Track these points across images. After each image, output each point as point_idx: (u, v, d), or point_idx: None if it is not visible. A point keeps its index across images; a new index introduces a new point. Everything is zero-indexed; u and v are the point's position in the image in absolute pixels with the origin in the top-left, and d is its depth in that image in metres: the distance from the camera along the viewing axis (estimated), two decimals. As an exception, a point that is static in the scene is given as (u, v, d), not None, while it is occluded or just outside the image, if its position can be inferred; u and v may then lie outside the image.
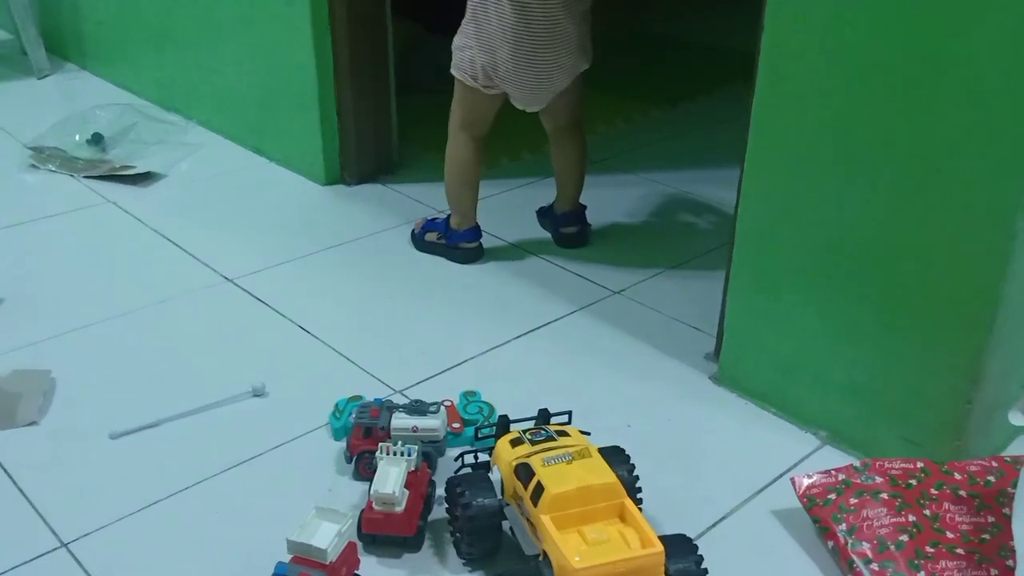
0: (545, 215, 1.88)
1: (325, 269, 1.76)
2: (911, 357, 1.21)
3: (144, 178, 2.08)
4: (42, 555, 1.12)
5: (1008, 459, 1.19)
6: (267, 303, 1.63)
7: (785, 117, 1.24)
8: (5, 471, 1.25)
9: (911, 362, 1.21)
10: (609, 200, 2.00)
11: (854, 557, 1.10)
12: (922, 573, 1.06)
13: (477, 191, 1.78)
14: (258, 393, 1.40)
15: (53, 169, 2.12)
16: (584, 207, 1.84)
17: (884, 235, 1.19)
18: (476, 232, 1.78)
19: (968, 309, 1.14)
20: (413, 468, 1.15)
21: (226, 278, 1.71)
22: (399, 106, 2.11)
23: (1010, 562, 1.07)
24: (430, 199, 2.00)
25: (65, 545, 1.13)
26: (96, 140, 2.21)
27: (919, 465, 1.18)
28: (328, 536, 1.02)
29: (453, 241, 1.77)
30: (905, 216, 1.16)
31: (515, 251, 1.82)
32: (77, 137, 2.21)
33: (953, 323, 1.16)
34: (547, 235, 1.86)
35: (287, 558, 1.02)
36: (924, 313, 1.18)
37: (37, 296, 1.65)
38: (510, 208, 1.98)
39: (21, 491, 1.21)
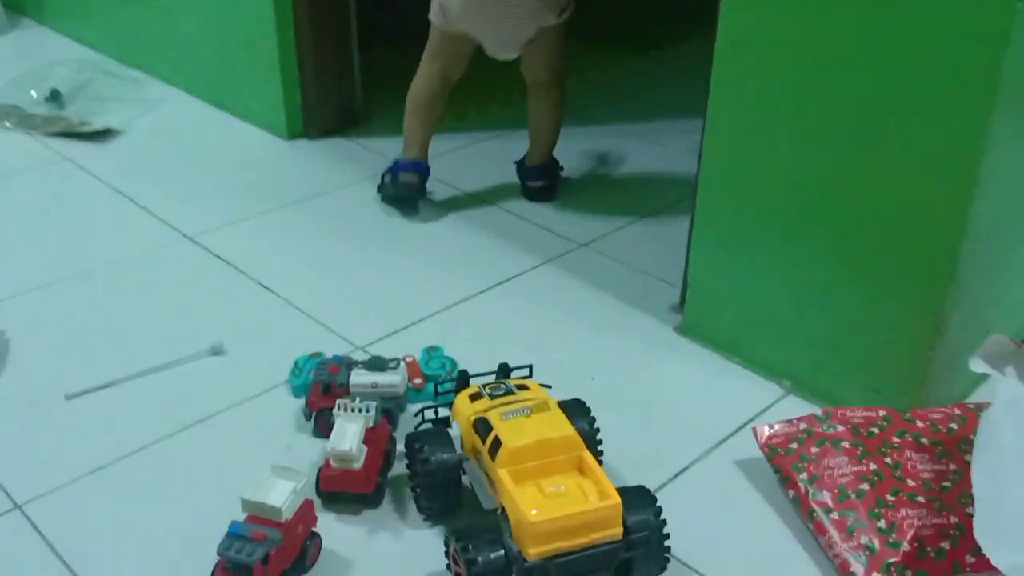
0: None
1: (287, 225, 1.73)
2: (873, 306, 1.20)
3: (102, 135, 2.04)
4: (-6, 518, 1.11)
5: (971, 406, 1.19)
6: (227, 260, 1.60)
7: (745, 67, 1.21)
8: (-43, 434, 1.23)
9: (874, 311, 1.20)
10: (577, 151, 1.97)
11: (815, 506, 1.09)
12: (882, 521, 1.06)
13: (429, 128, 1.74)
14: (216, 352, 1.37)
15: (9, 126, 2.06)
16: (555, 162, 1.82)
17: (845, 185, 1.17)
18: (418, 165, 1.71)
19: (930, 257, 1.13)
20: (371, 424, 1.13)
21: (185, 236, 1.68)
22: (364, 59, 2.06)
23: (970, 509, 1.07)
24: (395, 152, 1.96)
25: (19, 507, 1.12)
26: (54, 97, 2.15)
27: (881, 414, 1.17)
28: (283, 494, 1.00)
29: (394, 171, 1.72)
30: (866, 165, 1.14)
31: (480, 204, 1.79)
32: (34, 94, 2.16)
33: (915, 272, 1.15)
34: (513, 188, 1.84)
35: (242, 517, 1.01)
36: (886, 262, 1.17)
37: (-9, 256, 1.62)
38: (476, 161, 1.95)
39: (-27, 454, 1.19)
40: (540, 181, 1.81)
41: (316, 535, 1.05)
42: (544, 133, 1.78)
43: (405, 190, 1.71)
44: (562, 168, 1.84)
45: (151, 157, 1.97)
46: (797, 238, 1.24)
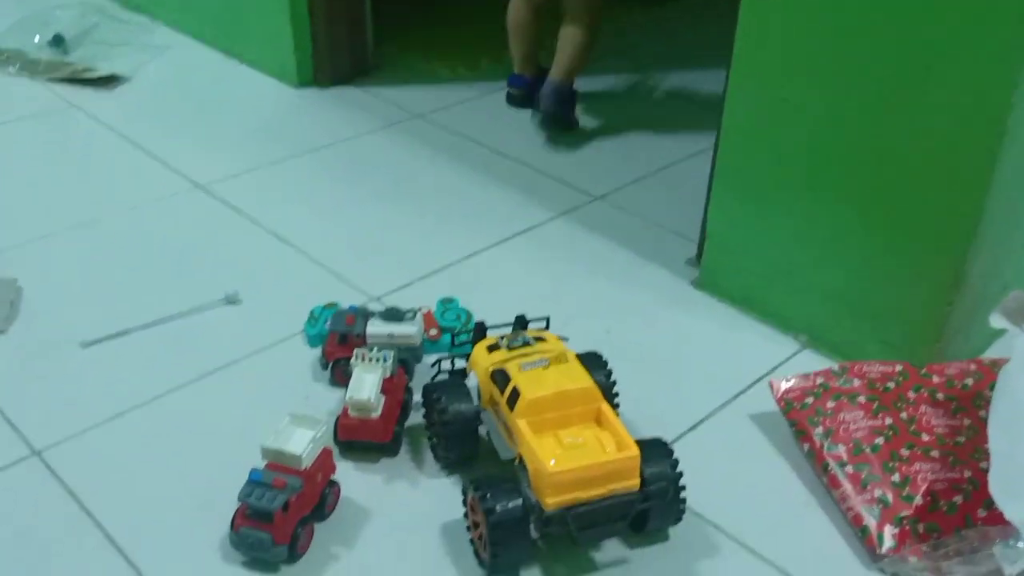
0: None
1: (299, 175, 1.71)
2: (893, 261, 1.20)
3: (109, 81, 2.01)
4: (14, 463, 1.11)
5: (987, 362, 1.19)
6: (239, 210, 1.59)
7: (772, 16, 1.19)
8: (-26, 380, 1.23)
9: (893, 266, 1.20)
10: (594, 103, 1.95)
11: (829, 460, 1.10)
12: (896, 475, 1.06)
13: (528, 47, 1.91)
14: (231, 301, 1.37)
15: (12, 72, 2.04)
16: (572, 92, 1.83)
17: (870, 138, 1.16)
18: (520, 80, 1.92)
19: (953, 212, 1.12)
20: (389, 375, 1.13)
21: (197, 184, 1.66)
22: (376, 7, 2.03)
23: (984, 464, 1.07)
24: (408, 102, 1.95)
25: (37, 453, 1.12)
26: (57, 42, 2.12)
27: (897, 368, 1.17)
28: (302, 442, 1.01)
29: (508, 83, 1.94)
30: (892, 118, 1.13)
31: (495, 156, 1.78)
32: (37, 38, 2.13)
33: (937, 226, 1.14)
34: (529, 140, 1.81)
35: (262, 465, 1.01)
36: (908, 217, 1.16)
37: (2, 203, 1.60)
38: (490, 112, 1.93)
39: (-9, 400, 1.20)
40: (551, 100, 1.80)
41: (335, 483, 1.06)
42: (565, 54, 1.81)
43: (510, 100, 1.95)
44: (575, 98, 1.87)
45: (159, 104, 1.95)
46: (818, 191, 1.23)
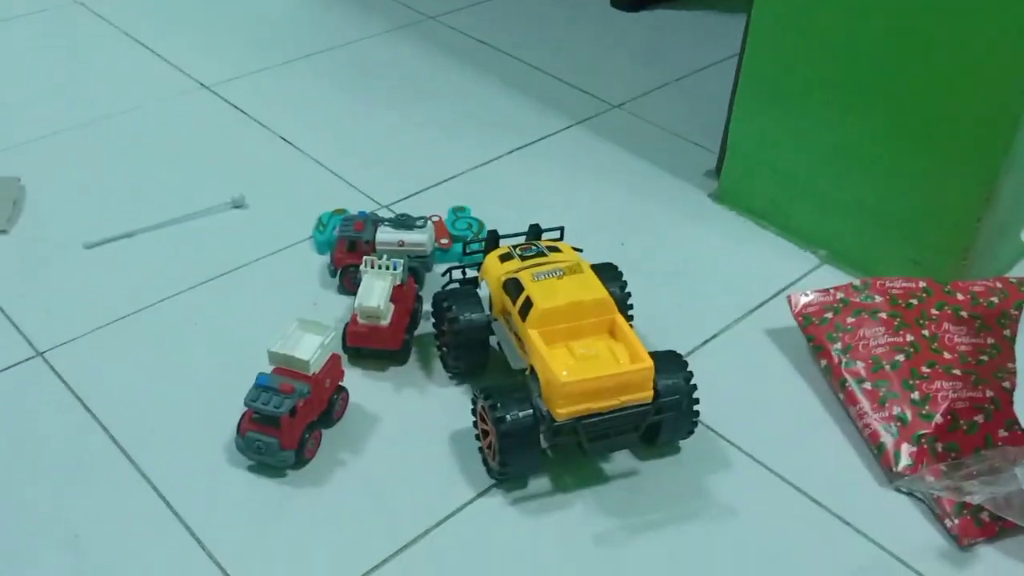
0: None
1: (308, 77, 1.66)
2: (922, 174, 1.15)
3: (113, -23, 1.95)
4: (17, 364, 1.10)
5: (1013, 280, 1.16)
6: (246, 112, 1.55)
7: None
8: (-24, 280, 1.21)
9: (921, 179, 1.16)
10: (612, 9, 1.88)
11: (847, 376, 1.08)
12: (916, 393, 1.04)
13: None
14: (238, 204, 1.34)
15: (15, -33, 1.97)
16: None
17: (904, 44, 1.10)
18: None
19: (987, 123, 1.07)
20: (399, 282, 1.11)
21: (202, 84, 1.62)
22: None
23: (1006, 384, 1.05)
24: (419, 2, 1.88)
25: (40, 354, 1.11)
26: (59, -64, 2.05)
27: (921, 285, 1.14)
28: (311, 348, 0.99)
29: None
30: (928, 23, 1.07)
31: (510, 61, 1.72)
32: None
33: (970, 139, 1.09)
34: (546, 45, 1.75)
35: (269, 370, 0.99)
36: (940, 129, 1.11)
37: (3, 101, 1.56)
38: (506, 15, 1.86)
39: (-7, 300, 1.18)
40: None
41: (343, 389, 1.04)
42: None
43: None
44: None
45: (164, 2, 1.89)
46: (847, 98, 1.18)
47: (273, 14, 1.87)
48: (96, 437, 1.01)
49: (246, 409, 0.97)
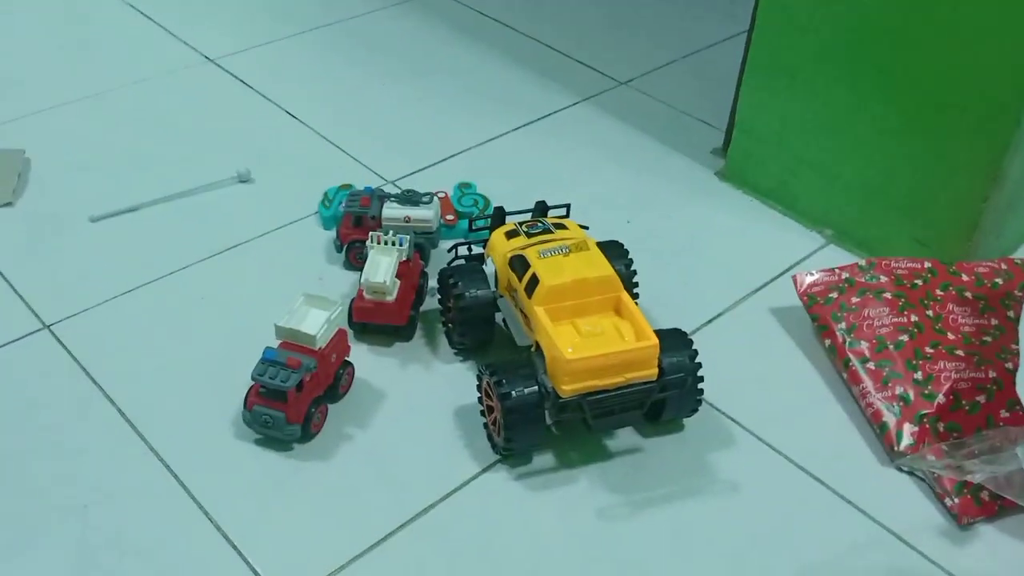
0: None
1: (313, 51, 1.65)
2: (930, 154, 1.15)
3: (117, -51, 1.93)
4: (24, 336, 1.10)
5: (1018, 261, 1.16)
6: (251, 85, 1.55)
7: None
8: (-17, 252, 1.21)
9: (929, 159, 1.15)
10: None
11: (851, 356, 1.08)
12: (919, 373, 1.04)
13: None
14: (243, 179, 1.34)
15: (18, -63, 1.96)
16: None
17: (913, 22, 1.10)
18: None
19: (996, 101, 1.07)
20: (404, 258, 1.11)
21: (207, 58, 1.61)
22: None
23: (1009, 364, 1.06)
24: (425, -22, 1.87)
25: (48, 327, 1.11)
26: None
27: (926, 265, 1.14)
28: (317, 322, 0.99)
29: None
30: (940, 3, 1.06)
31: (517, 36, 1.71)
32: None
33: (979, 118, 1.09)
34: (554, 20, 1.74)
35: (276, 344, 1.00)
36: (949, 107, 1.11)
37: (7, 73, 1.56)
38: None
39: (0, 273, 1.18)
40: None
41: (349, 364, 1.05)
42: None
43: None
44: None
45: (169, -26, 1.88)
46: (853, 80, 1.18)
47: (278, -13, 1.86)
48: (103, 409, 1.02)
49: (253, 383, 0.97)
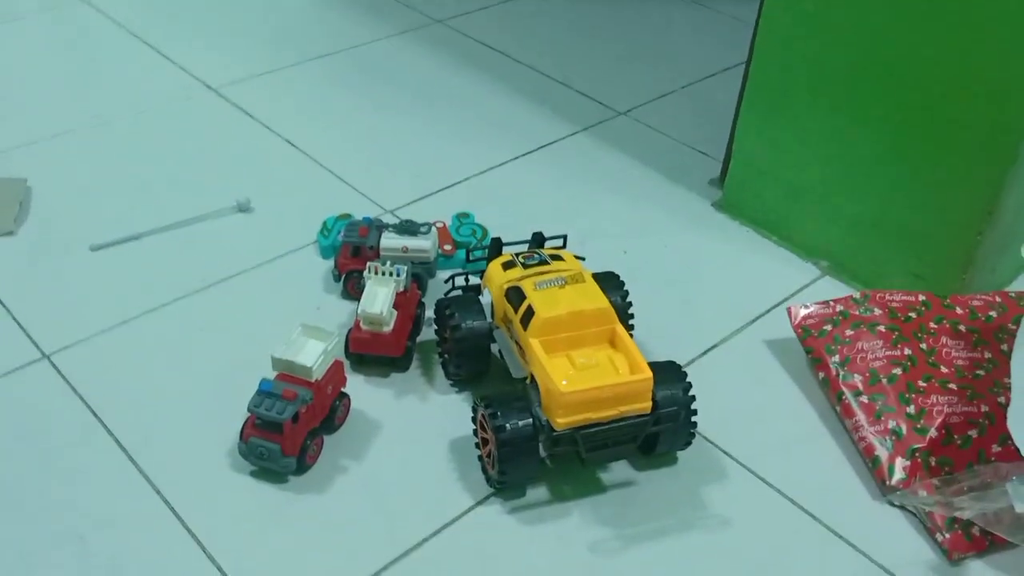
0: None
1: (313, 80, 1.67)
2: (925, 187, 1.16)
3: (121, -23, 1.96)
4: (24, 366, 1.11)
5: (1012, 295, 1.17)
6: (251, 114, 1.56)
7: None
8: (-16, 281, 1.22)
9: (924, 192, 1.16)
10: (619, 13, 1.88)
11: (844, 389, 1.08)
12: (911, 407, 1.05)
13: None
14: (243, 208, 1.35)
15: (24, -35, 1.98)
16: None
17: (913, 55, 1.11)
18: None
19: (992, 138, 1.08)
20: (402, 289, 1.12)
21: (208, 87, 1.63)
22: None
23: (1001, 399, 1.06)
24: (426, 6, 1.89)
25: (47, 356, 1.12)
26: (69, -66, 2.06)
27: (921, 298, 1.15)
28: (314, 354, 1.00)
29: None
30: (939, 34, 1.08)
31: (517, 66, 1.73)
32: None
33: (975, 153, 1.10)
34: (553, 51, 1.75)
35: (272, 375, 1.00)
36: (945, 141, 1.12)
37: (9, 101, 1.57)
38: (511, 19, 1.87)
39: (0, 301, 1.19)
40: None
41: (345, 395, 1.05)
42: None
43: None
44: None
45: (171, 3, 1.90)
46: (851, 111, 1.19)
47: (280, 16, 1.88)
48: (101, 439, 1.03)
49: (249, 414, 0.98)
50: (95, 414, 1.05)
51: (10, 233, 1.29)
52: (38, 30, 1.79)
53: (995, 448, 1.02)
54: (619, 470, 1.02)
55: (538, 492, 1.00)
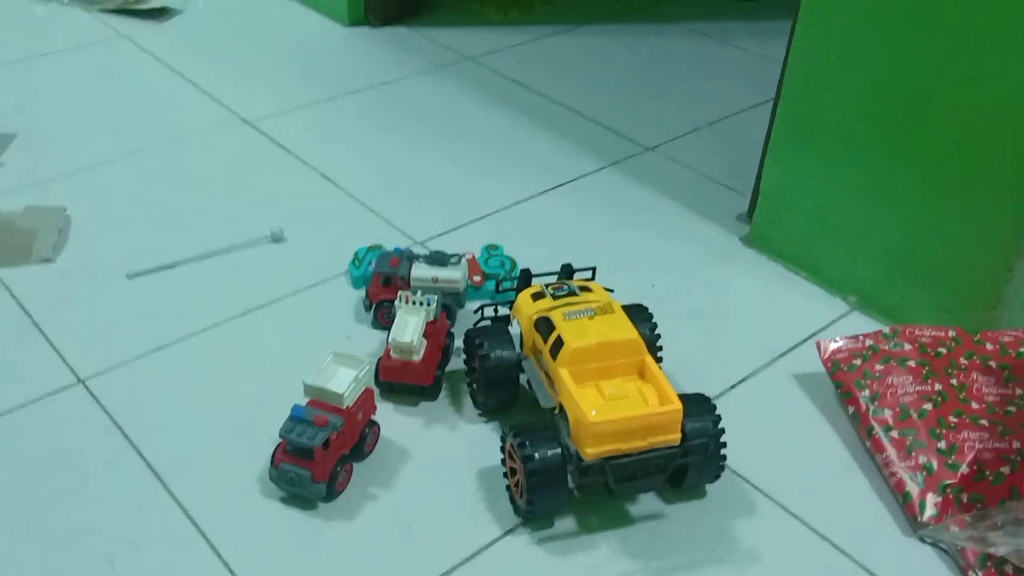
0: None
1: (346, 114, 1.70)
2: (954, 222, 1.16)
3: (159, 13, 2.01)
4: (59, 390, 1.12)
5: (1043, 332, 1.16)
6: (286, 147, 1.59)
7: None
8: (22, 307, 1.24)
9: (954, 227, 1.16)
10: (649, 51, 1.91)
11: (874, 424, 1.08)
12: (942, 442, 1.04)
13: None
14: (276, 238, 1.37)
15: (65, 2, 2.04)
16: None
17: (942, 89, 1.11)
18: None
19: (1021, 173, 1.08)
20: (432, 318, 1.13)
21: (244, 120, 1.66)
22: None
23: (1034, 435, 1.05)
24: (458, 43, 1.92)
25: (82, 381, 1.14)
26: (110, -28, 2.12)
27: (950, 334, 1.14)
28: (345, 381, 1.01)
29: None
30: (968, 68, 1.08)
31: (545, 102, 1.75)
32: (90, -32, 2.12)
33: (1005, 188, 1.10)
34: (581, 87, 1.78)
35: (304, 401, 1.01)
36: (974, 176, 1.12)
37: (50, 132, 1.61)
38: (541, 57, 1.90)
39: (38, 327, 1.21)
40: None
41: (375, 423, 1.06)
42: None
43: None
44: None
45: (208, 38, 1.94)
46: (878, 147, 1.20)
47: (314, 52, 1.91)
48: (133, 463, 1.04)
49: (280, 440, 0.99)
50: (128, 438, 1.07)
51: (49, 260, 1.32)
52: (79, 63, 1.84)
53: (1028, 485, 1.01)
54: (647, 502, 1.02)
55: (566, 523, 1.00)
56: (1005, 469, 1.02)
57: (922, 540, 0.99)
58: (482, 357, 1.07)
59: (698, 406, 1.00)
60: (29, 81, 1.77)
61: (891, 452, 1.05)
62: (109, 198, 1.45)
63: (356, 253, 1.31)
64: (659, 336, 1.12)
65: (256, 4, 2.08)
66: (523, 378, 1.09)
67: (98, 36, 1.93)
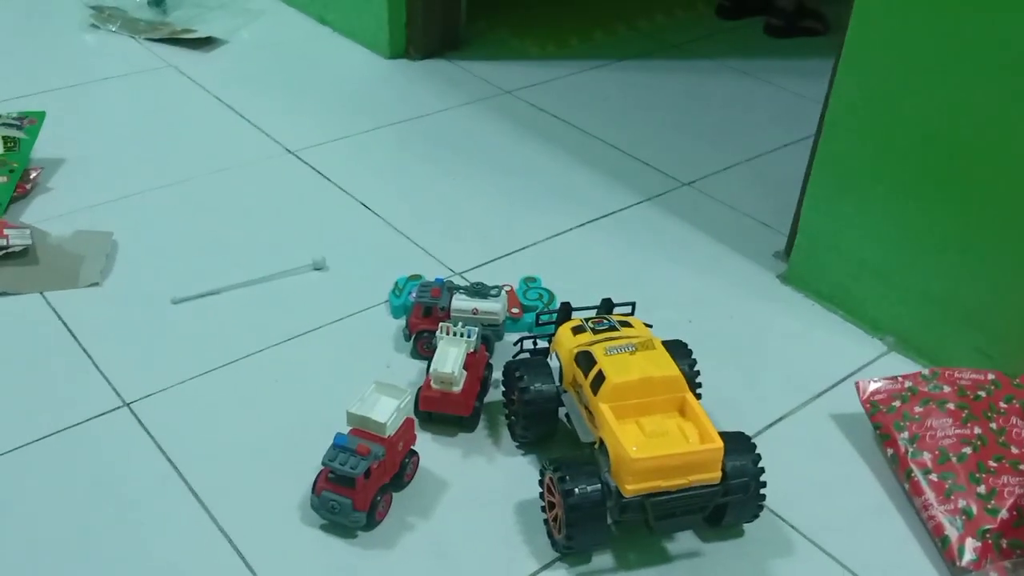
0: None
1: (388, 146, 1.72)
2: (993, 265, 1.16)
3: (205, 43, 2.05)
4: (105, 413, 1.14)
5: (1084, 377, 1.15)
6: (328, 177, 1.61)
7: (891, 4, 1.16)
8: (69, 330, 1.26)
9: (992, 271, 1.16)
10: (686, 87, 1.92)
11: (913, 466, 1.08)
12: (982, 487, 1.04)
13: None
14: (318, 267, 1.39)
15: (114, 30, 2.09)
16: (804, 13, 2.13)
17: (983, 136, 1.12)
18: None
19: (1062, 220, 1.08)
20: (472, 350, 1.14)
21: (288, 150, 1.69)
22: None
23: (1075, 481, 1.05)
24: (496, 77, 1.95)
25: (127, 405, 1.16)
26: (157, 2, 2.17)
27: (990, 377, 1.14)
28: (387, 410, 1.02)
29: None
30: (1009, 115, 1.09)
31: (583, 136, 1.77)
32: (139, -2, 2.18)
33: (1043, 233, 1.10)
34: (617, 122, 1.80)
35: (346, 429, 1.03)
36: (1014, 220, 1.12)
37: (98, 158, 1.65)
38: (580, 92, 1.92)
39: (84, 350, 1.23)
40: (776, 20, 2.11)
41: (415, 453, 1.07)
42: None
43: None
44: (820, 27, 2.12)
45: (253, 68, 1.98)
46: (919, 189, 1.20)
47: (357, 85, 1.94)
48: (176, 488, 1.05)
49: (322, 468, 1.00)
50: (172, 463, 1.08)
51: (96, 284, 1.34)
52: (127, 91, 1.88)
53: (1070, 532, 1.00)
54: (685, 540, 1.02)
55: (603, 559, 1.00)
56: (1046, 515, 1.01)
57: (962, 585, 0.99)
58: (522, 389, 1.08)
59: (738, 444, 1.00)
60: (79, 108, 1.81)
61: (930, 495, 1.05)
62: (155, 224, 1.48)
63: (396, 283, 1.33)
64: (698, 372, 1.13)
65: (299, 36, 2.12)
66: (562, 412, 1.10)
67: (146, 65, 1.97)
